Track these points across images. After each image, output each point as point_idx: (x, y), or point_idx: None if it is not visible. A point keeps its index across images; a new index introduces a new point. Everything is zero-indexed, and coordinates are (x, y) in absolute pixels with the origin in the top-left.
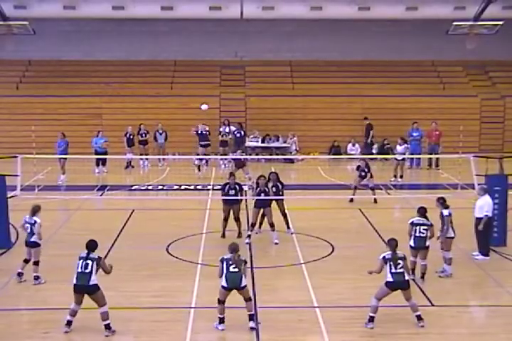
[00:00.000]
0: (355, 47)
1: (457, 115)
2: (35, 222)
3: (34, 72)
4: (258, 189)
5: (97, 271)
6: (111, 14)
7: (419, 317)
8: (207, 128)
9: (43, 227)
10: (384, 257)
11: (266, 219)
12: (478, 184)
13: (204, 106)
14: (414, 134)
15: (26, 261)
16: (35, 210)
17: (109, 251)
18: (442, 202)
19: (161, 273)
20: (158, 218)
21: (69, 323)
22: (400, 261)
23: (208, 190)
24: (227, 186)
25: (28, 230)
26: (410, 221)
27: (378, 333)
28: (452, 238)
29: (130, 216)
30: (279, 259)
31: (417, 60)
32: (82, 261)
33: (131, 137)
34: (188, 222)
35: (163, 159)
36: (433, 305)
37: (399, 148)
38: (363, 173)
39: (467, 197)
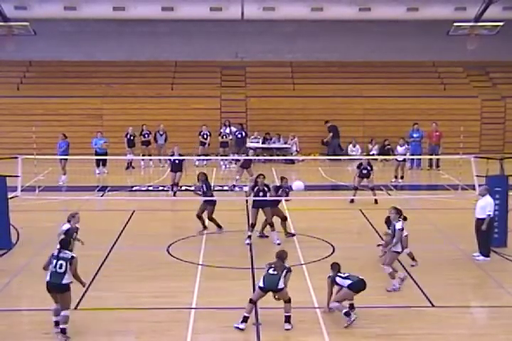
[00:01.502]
0: (356, 48)
1: (458, 116)
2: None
3: (35, 73)
4: (257, 188)
5: (70, 269)
6: (111, 15)
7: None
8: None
9: (43, 228)
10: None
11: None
12: (480, 185)
13: None
14: (415, 135)
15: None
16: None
17: (109, 251)
18: (397, 213)
19: (161, 273)
20: (159, 219)
21: (57, 323)
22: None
23: None
24: (256, 188)
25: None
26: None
27: (378, 334)
28: (398, 253)
29: (131, 217)
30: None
31: (418, 60)
32: (55, 260)
33: (132, 138)
34: (188, 223)
35: (165, 161)
36: (433, 306)
37: (399, 149)
38: (365, 171)
39: (468, 198)
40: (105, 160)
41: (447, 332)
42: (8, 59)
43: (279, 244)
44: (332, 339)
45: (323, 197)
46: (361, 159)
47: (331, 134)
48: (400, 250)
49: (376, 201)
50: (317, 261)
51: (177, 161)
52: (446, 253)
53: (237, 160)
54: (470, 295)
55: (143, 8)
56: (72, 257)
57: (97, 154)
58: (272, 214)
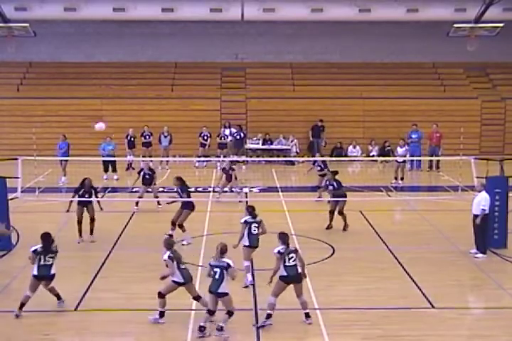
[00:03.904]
0: (356, 49)
1: (458, 117)
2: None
3: (35, 74)
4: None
5: None
6: (112, 16)
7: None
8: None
9: (43, 229)
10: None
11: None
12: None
13: (99, 126)
14: (413, 136)
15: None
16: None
17: (109, 253)
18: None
19: None
20: (159, 220)
21: (22, 306)
22: (292, 255)
23: (209, 192)
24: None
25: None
26: None
27: (379, 335)
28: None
29: (131, 218)
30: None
31: (418, 61)
32: (43, 256)
33: (132, 139)
34: (188, 225)
35: (167, 162)
36: (434, 307)
37: (400, 150)
38: (319, 168)
39: (467, 200)
40: (115, 165)
41: (447, 333)
42: (8, 60)
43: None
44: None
45: (323, 198)
46: (316, 159)
47: (310, 133)
48: (285, 273)
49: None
50: (317, 263)
51: (147, 176)
52: (446, 255)
53: (237, 161)
54: (470, 297)
55: (143, 9)
56: (57, 251)
57: (105, 159)
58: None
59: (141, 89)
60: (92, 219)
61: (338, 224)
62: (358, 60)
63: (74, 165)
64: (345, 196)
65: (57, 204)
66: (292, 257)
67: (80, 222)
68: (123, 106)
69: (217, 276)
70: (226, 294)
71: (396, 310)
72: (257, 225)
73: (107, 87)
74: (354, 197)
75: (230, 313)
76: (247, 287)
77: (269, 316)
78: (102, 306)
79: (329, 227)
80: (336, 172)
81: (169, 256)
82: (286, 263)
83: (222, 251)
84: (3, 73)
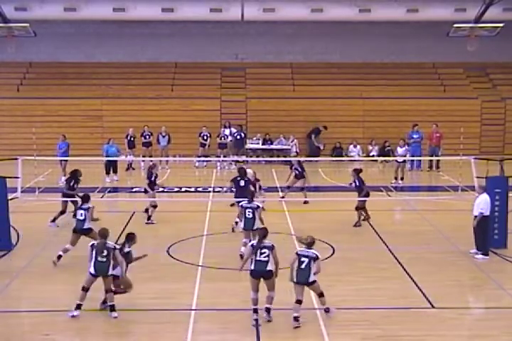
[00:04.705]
0: (356, 49)
1: (458, 117)
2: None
3: (35, 74)
4: None
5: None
6: (112, 16)
7: (267, 310)
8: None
9: (43, 229)
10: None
11: None
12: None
13: None
14: (415, 136)
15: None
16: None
17: None
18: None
19: (161, 275)
20: (159, 220)
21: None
22: (265, 250)
23: (209, 192)
24: None
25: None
26: None
27: (379, 335)
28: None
29: (131, 218)
30: (279, 261)
31: (418, 62)
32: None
33: (132, 139)
34: (188, 224)
35: (167, 162)
36: (434, 307)
37: (400, 150)
38: (297, 172)
39: (468, 199)
40: (116, 167)
41: (447, 333)
42: (9, 60)
43: None
44: None
45: (323, 198)
46: (294, 160)
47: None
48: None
49: (306, 202)
50: None
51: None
52: (447, 255)
53: (237, 161)
54: (470, 297)
55: (143, 9)
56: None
57: (108, 161)
58: None
59: (141, 89)
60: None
61: (337, 224)
62: (358, 60)
63: (74, 165)
64: (368, 194)
65: (57, 204)
66: (265, 252)
67: (63, 213)
68: (123, 106)
69: (303, 266)
70: (315, 282)
71: (396, 310)
72: (251, 211)
73: (107, 87)
74: (354, 197)
75: (321, 295)
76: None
77: (255, 310)
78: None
79: (357, 225)
80: (360, 170)
81: (92, 244)
82: (257, 258)
83: (310, 243)
84: (3, 73)
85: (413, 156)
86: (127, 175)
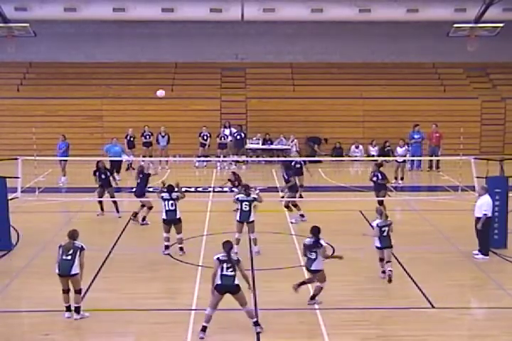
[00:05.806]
0: (356, 50)
1: (458, 117)
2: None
3: (35, 74)
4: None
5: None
6: (112, 16)
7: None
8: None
9: (43, 229)
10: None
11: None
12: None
13: (160, 93)
14: (416, 136)
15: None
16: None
17: (110, 253)
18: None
19: (161, 275)
20: (159, 220)
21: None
22: (230, 264)
23: (209, 192)
24: None
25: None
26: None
27: (379, 335)
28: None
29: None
30: (279, 261)
31: (418, 62)
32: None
33: (132, 139)
34: (188, 225)
35: (166, 162)
36: (434, 307)
37: (399, 150)
38: (284, 179)
39: (468, 199)
40: (119, 167)
41: (447, 333)
42: (9, 60)
43: None
44: None
45: (323, 199)
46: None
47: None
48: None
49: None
50: None
51: (103, 176)
52: (446, 255)
53: (237, 161)
54: (470, 297)
55: (143, 9)
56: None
57: (111, 161)
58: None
59: (141, 89)
60: (112, 197)
61: (338, 224)
62: (358, 60)
63: (74, 165)
64: (387, 188)
65: (57, 204)
66: (230, 267)
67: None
68: (123, 106)
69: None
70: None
71: (396, 310)
72: (247, 204)
73: (107, 87)
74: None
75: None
76: None
77: (203, 328)
78: (103, 306)
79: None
80: (380, 165)
81: (60, 245)
82: (224, 272)
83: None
84: (3, 73)
85: (413, 156)
86: (127, 175)
